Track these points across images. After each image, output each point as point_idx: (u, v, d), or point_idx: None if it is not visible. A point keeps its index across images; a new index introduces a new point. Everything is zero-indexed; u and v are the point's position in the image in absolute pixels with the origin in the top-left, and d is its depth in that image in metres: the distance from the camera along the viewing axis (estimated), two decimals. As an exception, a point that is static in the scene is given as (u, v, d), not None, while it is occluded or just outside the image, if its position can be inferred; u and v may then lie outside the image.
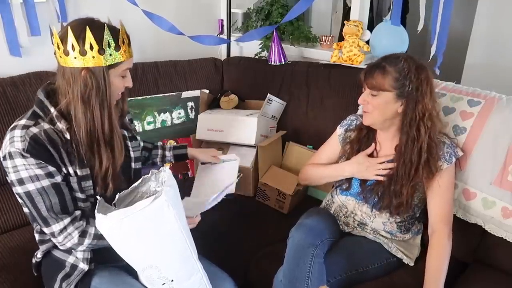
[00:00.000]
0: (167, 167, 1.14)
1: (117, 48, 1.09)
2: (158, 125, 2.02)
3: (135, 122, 1.94)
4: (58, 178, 1.11)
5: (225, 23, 2.47)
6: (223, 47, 2.49)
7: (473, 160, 1.44)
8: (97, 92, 1.09)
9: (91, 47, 1.05)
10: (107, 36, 1.06)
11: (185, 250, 1.12)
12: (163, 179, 1.12)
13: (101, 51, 1.06)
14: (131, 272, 1.22)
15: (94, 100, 1.09)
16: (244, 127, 1.90)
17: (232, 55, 2.48)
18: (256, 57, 2.32)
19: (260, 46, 2.31)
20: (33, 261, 1.30)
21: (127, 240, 1.06)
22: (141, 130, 1.97)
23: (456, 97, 1.52)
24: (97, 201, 1.08)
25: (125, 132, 1.32)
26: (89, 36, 1.04)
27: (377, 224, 1.44)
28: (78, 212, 1.15)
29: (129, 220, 1.00)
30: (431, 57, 1.89)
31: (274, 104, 2.04)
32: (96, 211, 1.04)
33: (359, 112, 1.76)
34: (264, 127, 1.96)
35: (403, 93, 1.30)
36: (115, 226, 1.01)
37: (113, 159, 1.16)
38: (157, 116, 2.01)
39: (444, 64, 1.90)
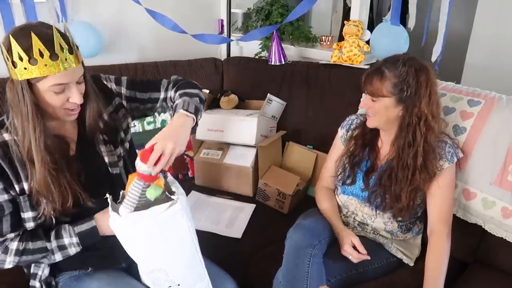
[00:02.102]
0: (168, 173, 1.12)
1: (33, 61, 0.94)
2: (158, 125, 2.02)
3: (135, 122, 1.94)
4: (3, 197, 1.05)
5: (225, 23, 2.47)
6: (223, 47, 2.49)
7: (473, 160, 1.44)
8: (18, 105, 1.00)
9: (7, 58, 0.96)
10: (15, 48, 0.93)
11: (193, 257, 1.13)
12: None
13: (14, 63, 0.95)
14: (130, 273, 1.21)
15: (20, 113, 1.00)
16: (244, 127, 1.90)
17: (232, 55, 2.48)
18: (256, 57, 2.32)
19: (260, 46, 2.31)
20: None
21: (138, 242, 1.06)
22: (141, 130, 1.97)
23: (456, 97, 1.52)
24: (107, 199, 1.05)
25: (105, 136, 1.20)
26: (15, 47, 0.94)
27: (378, 224, 1.44)
28: (10, 235, 1.07)
29: (142, 223, 1.01)
30: (436, 58, 1.88)
31: (274, 104, 2.04)
32: (110, 209, 1.04)
33: (359, 112, 1.76)
34: (264, 127, 1.96)
35: (402, 98, 1.29)
36: (128, 227, 1.02)
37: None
38: (157, 116, 2.01)
39: (444, 64, 1.90)
